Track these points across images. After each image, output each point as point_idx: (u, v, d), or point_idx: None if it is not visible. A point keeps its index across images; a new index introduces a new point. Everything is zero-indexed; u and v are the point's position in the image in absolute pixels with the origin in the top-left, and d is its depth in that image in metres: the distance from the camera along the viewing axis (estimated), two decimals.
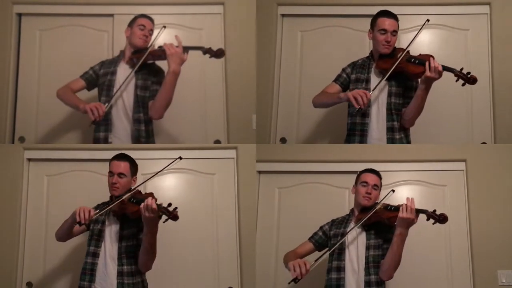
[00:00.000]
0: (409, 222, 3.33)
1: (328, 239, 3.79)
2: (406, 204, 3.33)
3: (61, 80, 4.39)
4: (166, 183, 4.53)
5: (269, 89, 4.78)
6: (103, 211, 3.59)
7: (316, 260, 3.51)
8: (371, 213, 3.57)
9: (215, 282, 4.47)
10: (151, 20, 4.13)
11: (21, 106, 4.79)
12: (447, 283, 4.37)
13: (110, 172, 3.73)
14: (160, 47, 3.92)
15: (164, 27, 4.16)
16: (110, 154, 4.34)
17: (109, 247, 3.62)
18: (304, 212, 4.57)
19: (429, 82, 3.57)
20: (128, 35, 4.10)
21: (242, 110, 4.71)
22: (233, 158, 4.58)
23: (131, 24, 4.11)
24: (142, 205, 3.34)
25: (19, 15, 4.84)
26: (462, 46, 4.67)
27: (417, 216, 3.34)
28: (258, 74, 4.67)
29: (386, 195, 3.71)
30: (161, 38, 4.05)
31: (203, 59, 4.55)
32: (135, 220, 3.60)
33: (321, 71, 4.72)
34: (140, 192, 3.70)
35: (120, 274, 3.58)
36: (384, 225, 3.59)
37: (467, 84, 3.54)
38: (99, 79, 4.10)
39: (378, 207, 3.60)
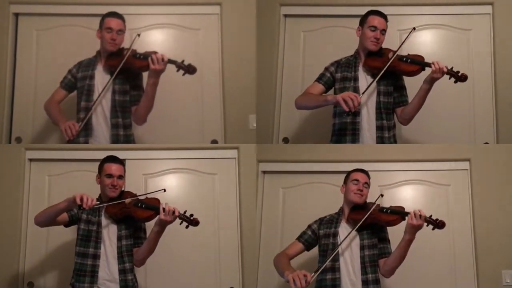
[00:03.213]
0: (419, 228, 3.41)
1: (318, 238, 3.81)
2: (414, 211, 3.40)
3: (58, 80, 4.36)
4: (167, 183, 4.51)
5: (272, 89, 4.77)
6: (103, 205, 3.70)
7: (315, 272, 3.57)
8: (368, 214, 3.62)
9: (216, 282, 4.47)
10: (120, 18, 4.05)
11: (18, 107, 4.75)
12: (451, 283, 4.38)
13: (108, 174, 3.74)
14: (144, 57, 3.87)
15: (138, 35, 4.05)
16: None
17: (110, 248, 3.68)
18: (308, 212, 4.51)
19: (433, 82, 3.67)
20: (99, 37, 4.07)
21: (240, 110, 4.71)
22: (235, 158, 4.58)
23: (100, 25, 4.06)
24: (163, 209, 3.50)
25: (16, 15, 4.81)
26: (465, 46, 4.68)
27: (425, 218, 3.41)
28: (260, 74, 4.66)
29: (377, 199, 3.76)
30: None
31: (200, 59, 4.61)
32: (132, 221, 3.73)
33: None
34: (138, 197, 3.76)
35: (122, 271, 3.67)
36: (376, 225, 3.67)
37: (458, 83, 3.67)
38: (77, 82, 4.10)
39: (373, 208, 3.66)
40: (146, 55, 3.83)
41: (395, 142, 4.00)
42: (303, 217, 4.47)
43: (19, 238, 4.42)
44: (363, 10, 4.67)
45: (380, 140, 3.88)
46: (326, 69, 4.06)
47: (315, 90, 4.01)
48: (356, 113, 3.85)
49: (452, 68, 3.63)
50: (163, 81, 3.89)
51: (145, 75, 4.00)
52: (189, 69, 3.75)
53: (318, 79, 4.04)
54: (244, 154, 4.56)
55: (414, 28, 4.01)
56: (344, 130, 3.93)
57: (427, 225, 3.42)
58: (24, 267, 4.43)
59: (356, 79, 3.92)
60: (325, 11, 4.81)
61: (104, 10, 4.62)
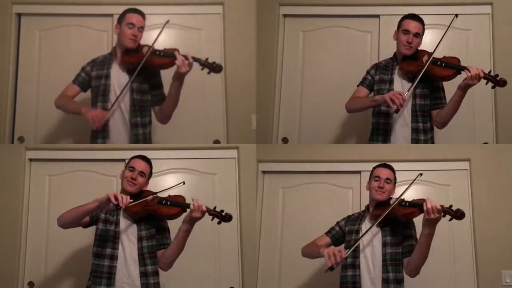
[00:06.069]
0: (436, 221, 3.33)
1: (344, 234, 3.79)
2: (430, 205, 3.30)
3: (61, 80, 4.36)
4: (168, 183, 4.50)
5: (271, 89, 4.78)
6: (136, 202, 3.50)
7: (349, 248, 3.54)
8: (389, 210, 3.56)
9: (216, 282, 4.47)
10: (142, 15, 3.94)
11: (21, 106, 4.76)
12: (451, 283, 4.38)
13: (131, 167, 3.63)
14: (164, 54, 3.81)
15: (168, 21, 4.00)
16: (112, 155, 4.39)
17: (128, 249, 3.53)
18: (308, 212, 4.58)
19: (468, 88, 3.66)
20: (117, 33, 3.95)
21: (242, 110, 4.71)
22: (235, 158, 4.58)
23: (120, 21, 3.93)
24: (192, 206, 3.40)
25: (19, 15, 4.82)
26: (464, 46, 4.68)
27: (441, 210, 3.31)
28: (260, 74, 4.66)
29: (415, 179, 3.76)
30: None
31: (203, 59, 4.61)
32: (153, 220, 3.60)
33: (323, 71, 4.80)
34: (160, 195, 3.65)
35: (144, 274, 3.52)
36: (400, 221, 3.60)
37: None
38: (92, 81, 3.98)
39: (394, 203, 3.59)
40: (167, 53, 3.78)
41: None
42: (302, 217, 4.49)
43: (19, 238, 4.43)
44: (363, 10, 4.75)
45: (415, 142, 3.88)
46: (367, 72, 4.07)
47: (362, 94, 4.03)
48: (388, 114, 3.88)
49: (490, 72, 3.62)
50: (166, 82, 3.90)
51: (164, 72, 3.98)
52: (215, 68, 3.70)
53: (361, 83, 4.06)
54: (244, 154, 4.56)
55: (456, 15, 4.01)
56: (377, 130, 3.97)
57: (443, 215, 3.33)
58: (24, 266, 4.43)
59: (391, 82, 3.93)
60: (325, 11, 4.81)
61: (107, 10, 4.72)
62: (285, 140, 4.78)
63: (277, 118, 4.81)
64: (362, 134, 4.64)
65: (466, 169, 4.50)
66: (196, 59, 3.73)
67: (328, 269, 3.43)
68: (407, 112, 3.87)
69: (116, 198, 3.27)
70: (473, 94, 4.53)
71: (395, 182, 3.77)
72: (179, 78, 3.76)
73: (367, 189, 3.83)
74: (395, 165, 4.34)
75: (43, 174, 4.57)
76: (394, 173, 3.78)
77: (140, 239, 3.56)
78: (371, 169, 3.83)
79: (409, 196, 4.22)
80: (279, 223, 4.62)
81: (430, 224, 3.33)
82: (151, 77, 3.98)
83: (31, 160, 4.56)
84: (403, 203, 3.56)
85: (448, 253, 4.41)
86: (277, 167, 4.67)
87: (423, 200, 3.44)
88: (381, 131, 3.94)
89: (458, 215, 3.32)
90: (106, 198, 3.28)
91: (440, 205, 3.31)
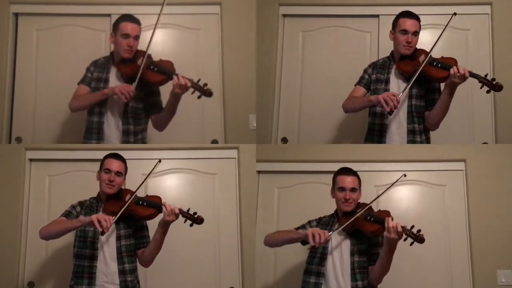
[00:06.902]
0: (396, 241, 3.29)
1: None
2: (390, 224, 3.26)
3: (58, 80, 4.38)
4: (167, 183, 4.54)
5: (271, 89, 4.79)
6: (118, 215, 3.54)
7: (333, 231, 3.54)
8: (352, 219, 3.53)
9: (216, 282, 4.48)
10: (137, 22, 3.92)
11: (18, 106, 4.76)
12: (447, 283, 4.39)
13: (106, 169, 3.67)
14: (158, 70, 3.81)
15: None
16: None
17: (108, 249, 3.61)
18: (303, 212, 4.51)
19: (453, 87, 3.59)
20: (112, 42, 3.94)
21: (240, 110, 4.72)
22: (235, 158, 4.59)
23: (114, 29, 3.91)
24: (164, 209, 3.47)
25: (16, 14, 4.82)
26: (463, 46, 4.69)
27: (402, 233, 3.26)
28: (259, 74, 4.67)
29: (398, 179, 3.75)
30: (148, 39, 3.92)
31: (200, 59, 4.60)
32: (132, 220, 3.68)
33: (323, 71, 4.81)
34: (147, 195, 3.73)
35: (122, 272, 3.60)
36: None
37: (491, 91, 3.57)
38: (92, 82, 3.99)
39: (360, 212, 3.55)
40: (162, 69, 3.79)
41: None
42: (298, 217, 4.47)
43: (20, 238, 4.43)
44: (362, 10, 4.74)
45: (412, 143, 3.85)
46: (365, 71, 4.05)
47: (358, 93, 4.00)
48: (383, 115, 3.85)
49: (486, 75, 3.55)
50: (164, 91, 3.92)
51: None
52: (206, 92, 3.65)
53: (359, 82, 4.04)
54: (244, 154, 4.56)
55: (454, 14, 3.96)
56: (372, 130, 3.95)
57: (404, 240, 3.27)
58: (24, 267, 4.44)
59: (387, 81, 3.90)
60: (324, 11, 4.83)
61: (104, 10, 4.70)
62: (284, 140, 4.79)
63: (276, 118, 4.82)
64: (361, 135, 4.58)
65: (462, 170, 4.50)
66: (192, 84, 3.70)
67: (312, 247, 3.47)
68: (402, 113, 3.84)
69: (100, 224, 3.31)
70: (472, 94, 4.57)
71: (360, 187, 3.69)
72: (174, 96, 3.76)
73: (332, 197, 3.74)
74: (391, 165, 4.39)
75: (43, 174, 4.57)
76: (358, 178, 3.70)
77: (118, 238, 3.64)
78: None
79: (402, 197, 4.27)
80: (274, 223, 4.62)
81: (390, 243, 3.30)
82: (147, 86, 3.96)
83: (31, 160, 4.55)
84: (368, 218, 3.51)
85: (444, 253, 4.42)
86: (272, 167, 4.66)
87: (388, 213, 3.44)
88: (376, 131, 3.92)
89: (419, 239, 3.25)
90: (89, 221, 3.34)
91: (402, 226, 3.26)
